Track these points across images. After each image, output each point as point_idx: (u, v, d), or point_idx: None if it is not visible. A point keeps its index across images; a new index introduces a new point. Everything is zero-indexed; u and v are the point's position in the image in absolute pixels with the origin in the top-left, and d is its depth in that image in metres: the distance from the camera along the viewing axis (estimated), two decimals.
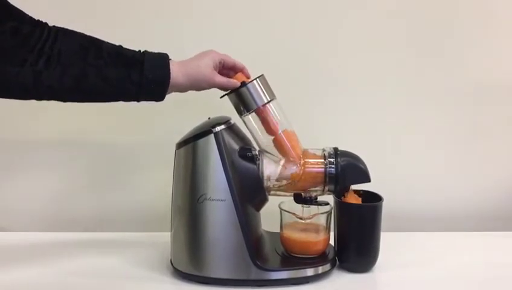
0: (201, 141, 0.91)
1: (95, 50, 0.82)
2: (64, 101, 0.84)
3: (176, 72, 0.85)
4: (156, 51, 0.87)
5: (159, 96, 0.86)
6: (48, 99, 0.82)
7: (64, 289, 0.93)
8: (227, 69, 0.93)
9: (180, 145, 0.94)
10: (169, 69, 0.85)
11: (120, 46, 0.85)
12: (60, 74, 0.79)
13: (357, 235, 0.98)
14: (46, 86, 0.78)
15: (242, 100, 0.92)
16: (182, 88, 0.88)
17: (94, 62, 0.81)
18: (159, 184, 1.07)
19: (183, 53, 0.89)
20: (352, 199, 0.99)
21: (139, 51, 0.86)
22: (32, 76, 0.77)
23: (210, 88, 0.90)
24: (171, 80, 0.85)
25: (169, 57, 0.87)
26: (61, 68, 0.79)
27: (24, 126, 1.23)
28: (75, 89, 0.80)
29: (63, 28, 0.83)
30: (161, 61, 0.85)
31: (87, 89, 0.81)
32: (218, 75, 0.90)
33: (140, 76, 0.82)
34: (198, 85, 0.89)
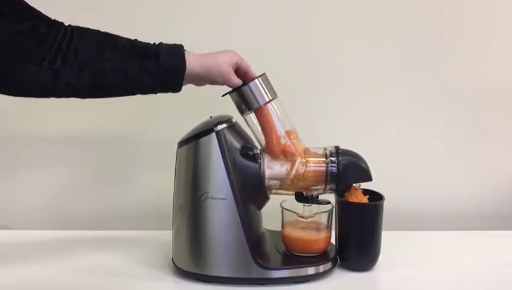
0: (203, 140, 0.91)
1: (110, 45, 0.83)
2: (83, 97, 0.85)
3: (192, 61, 0.86)
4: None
5: (176, 87, 0.86)
6: (67, 96, 0.83)
7: (65, 287, 0.93)
8: (240, 74, 0.93)
9: (182, 143, 0.94)
10: (184, 58, 0.85)
11: (135, 40, 0.85)
12: (77, 71, 0.79)
13: (358, 234, 0.98)
14: (64, 83, 0.79)
15: (244, 99, 0.92)
16: (198, 78, 0.88)
17: (110, 56, 0.81)
18: (161, 183, 1.07)
19: None
20: (358, 197, 0.98)
21: (154, 43, 0.86)
22: (50, 74, 0.78)
23: (223, 84, 0.90)
24: (187, 69, 0.85)
25: (185, 48, 0.87)
26: (78, 65, 0.79)
27: (26, 125, 1.24)
28: (92, 85, 0.81)
29: (78, 27, 0.83)
30: (176, 50, 0.86)
31: (105, 84, 0.82)
32: (234, 74, 0.90)
33: (156, 66, 0.83)
34: (213, 78, 0.88)
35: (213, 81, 0.90)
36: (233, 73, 0.90)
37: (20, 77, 0.78)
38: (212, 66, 0.87)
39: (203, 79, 0.89)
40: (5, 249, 1.08)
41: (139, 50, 0.84)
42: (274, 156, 0.94)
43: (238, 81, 0.91)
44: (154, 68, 0.83)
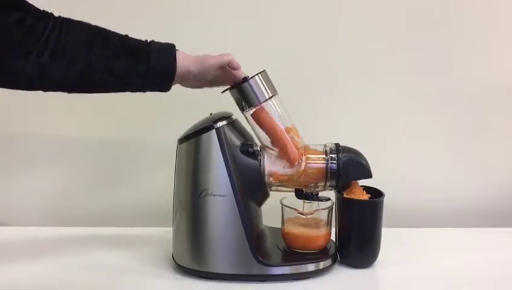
0: (203, 137, 0.91)
1: (101, 41, 0.81)
2: (69, 92, 0.84)
3: (184, 61, 0.85)
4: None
5: (165, 88, 0.87)
6: (54, 90, 0.82)
7: (66, 284, 0.93)
8: (229, 73, 0.92)
9: (182, 140, 0.94)
10: (175, 59, 0.84)
11: (126, 36, 0.85)
12: (65, 67, 0.78)
13: (359, 231, 0.98)
14: (50, 78, 0.79)
15: (244, 95, 0.92)
16: (191, 77, 0.87)
17: (100, 53, 0.81)
18: (161, 180, 1.07)
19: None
20: (358, 194, 0.99)
21: (146, 40, 0.85)
22: (36, 68, 0.77)
23: (216, 63, 0.88)
24: (177, 69, 0.84)
25: (176, 48, 0.86)
26: (66, 61, 0.78)
27: (27, 123, 1.24)
28: (80, 81, 0.80)
29: (68, 19, 0.81)
30: (168, 51, 0.85)
31: (93, 81, 0.81)
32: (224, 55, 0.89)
33: (146, 67, 0.82)
34: (205, 69, 0.87)
35: (206, 71, 0.88)
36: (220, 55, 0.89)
37: (5, 69, 0.77)
38: (202, 59, 0.87)
39: (195, 77, 0.88)
40: (6, 246, 1.08)
41: (130, 48, 0.83)
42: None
43: (228, 57, 0.89)
44: (144, 69, 0.82)
